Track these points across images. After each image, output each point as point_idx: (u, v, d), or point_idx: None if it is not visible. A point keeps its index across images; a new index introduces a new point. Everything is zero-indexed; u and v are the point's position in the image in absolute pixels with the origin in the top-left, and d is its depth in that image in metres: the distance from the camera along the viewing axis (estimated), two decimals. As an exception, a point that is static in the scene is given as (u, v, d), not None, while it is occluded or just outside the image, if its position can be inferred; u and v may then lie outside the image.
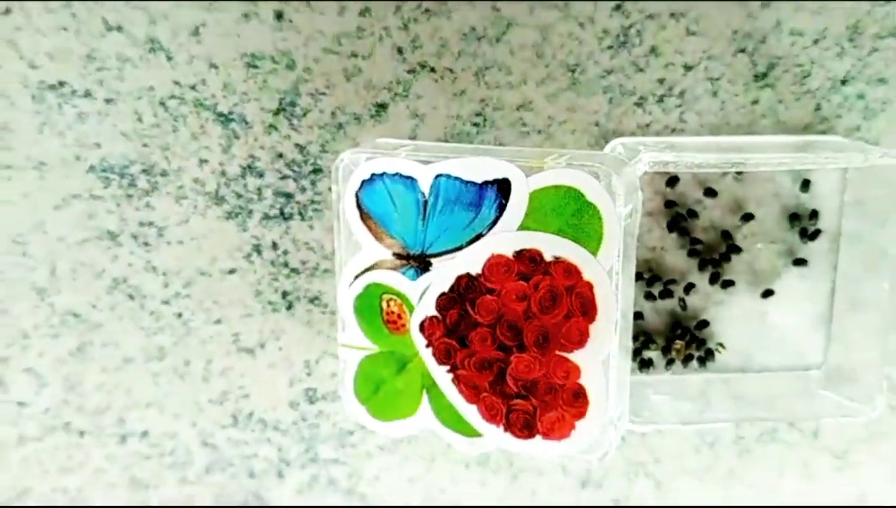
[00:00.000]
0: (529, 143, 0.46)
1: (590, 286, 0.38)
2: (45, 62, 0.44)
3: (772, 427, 0.52)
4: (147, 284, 0.47)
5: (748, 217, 0.47)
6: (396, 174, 0.41)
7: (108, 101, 0.44)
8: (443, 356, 0.42)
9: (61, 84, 0.44)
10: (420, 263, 0.42)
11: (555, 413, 0.41)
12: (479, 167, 0.39)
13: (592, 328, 0.39)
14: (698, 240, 0.47)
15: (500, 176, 0.39)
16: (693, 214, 0.47)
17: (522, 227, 0.39)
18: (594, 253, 0.38)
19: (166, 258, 0.47)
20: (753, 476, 0.53)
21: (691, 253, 0.47)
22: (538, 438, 0.42)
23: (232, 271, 0.47)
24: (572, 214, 0.38)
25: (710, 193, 0.47)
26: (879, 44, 0.46)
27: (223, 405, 0.50)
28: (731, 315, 0.49)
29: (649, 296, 0.48)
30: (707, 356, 0.49)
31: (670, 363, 0.48)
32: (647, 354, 0.49)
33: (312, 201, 0.47)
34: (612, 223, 0.38)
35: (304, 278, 0.48)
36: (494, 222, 0.39)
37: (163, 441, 0.50)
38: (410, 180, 0.41)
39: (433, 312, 0.42)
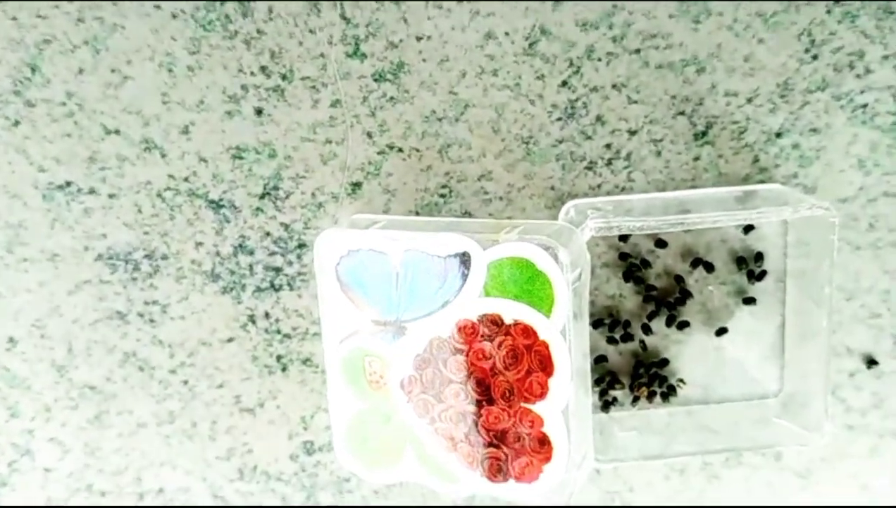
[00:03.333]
0: (492, 209, 0.50)
1: (546, 345, 0.43)
2: (53, 165, 0.49)
3: (737, 452, 0.56)
4: (155, 356, 0.52)
5: (697, 263, 0.51)
6: (370, 250, 0.46)
7: (110, 196, 0.49)
8: (421, 411, 0.47)
9: (68, 184, 0.49)
10: (396, 327, 0.46)
11: (524, 459, 0.45)
12: (442, 242, 0.44)
13: (551, 382, 0.44)
14: (653, 287, 0.51)
15: (461, 250, 0.43)
16: (646, 263, 0.51)
17: (484, 293, 0.44)
18: (547, 315, 0.43)
19: (171, 332, 0.52)
20: (722, 499, 0.57)
21: (647, 299, 0.52)
22: (511, 482, 0.46)
23: (230, 340, 0.52)
24: (526, 281, 0.43)
25: (661, 243, 0.51)
26: (810, 97, 0.50)
27: (230, 460, 0.55)
28: (689, 353, 0.53)
29: (611, 340, 0.52)
30: (669, 392, 0.53)
31: (636, 400, 0.53)
32: (612, 393, 0.53)
33: (299, 273, 0.51)
34: (562, 288, 0.42)
35: (295, 342, 0.53)
36: (459, 290, 0.44)
37: (177, 496, 0.55)
38: (383, 255, 0.45)
39: (411, 371, 0.46)
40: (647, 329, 0.52)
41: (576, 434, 0.45)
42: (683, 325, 0.52)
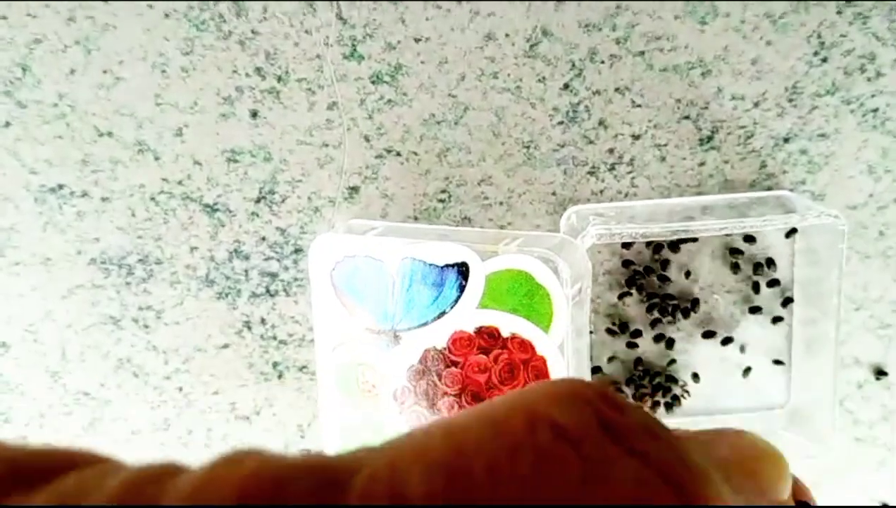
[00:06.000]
0: (492, 214, 0.49)
1: (543, 361, 0.42)
2: (45, 168, 0.48)
3: (742, 462, 0.54)
4: (149, 362, 0.51)
5: (702, 271, 0.50)
6: (366, 256, 0.45)
7: (103, 199, 0.48)
8: (414, 422, 0.46)
9: (60, 187, 0.48)
10: (391, 336, 0.45)
11: (522, 472, 0.44)
12: (440, 251, 0.43)
13: (549, 396, 0.42)
14: (656, 294, 0.50)
15: (459, 260, 0.42)
16: (650, 270, 0.50)
17: (482, 305, 0.43)
18: (546, 330, 0.42)
19: (165, 338, 0.51)
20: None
21: (650, 307, 0.50)
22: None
23: (225, 346, 0.51)
24: (524, 294, 0.41)
25: (665, 250, 0.50)
26: (818, 102, 0.48)
27: (226, 466, 0.54)
28: (693, 362, 0.52)
29: (614, 349, 0.51)
30: (673, 402, 0.52)
31: (638, 409, 0.52)
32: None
33: (295, 279, 0.50)
34: (561, 303, 0.41)
35: (292, 349, 0.52)
36: (456, 301, 0.43)
37: (172, 502, 0.54)
38: (379, 262, 0.44)
39: (404, 382, 0.45)
40: (650, 338, 0.51)
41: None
42: (688, 334, 0.51)
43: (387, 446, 0.13)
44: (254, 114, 0.47)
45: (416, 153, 0.48)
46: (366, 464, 0.13)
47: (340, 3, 0.45)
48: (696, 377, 0.52)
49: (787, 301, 0.50)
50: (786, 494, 0.18)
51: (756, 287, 0.50)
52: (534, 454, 0.13)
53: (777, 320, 0.51)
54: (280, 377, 0.52)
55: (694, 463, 0.14)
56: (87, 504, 0.11)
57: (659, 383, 0.51)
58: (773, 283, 0.50)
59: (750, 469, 0.17)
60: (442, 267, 0.43)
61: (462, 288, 0.43)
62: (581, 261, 0.42)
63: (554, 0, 0.45)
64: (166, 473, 0.12)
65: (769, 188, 0.49)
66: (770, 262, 0.50)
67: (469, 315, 0.43)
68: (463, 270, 0.42)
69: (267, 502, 0.11)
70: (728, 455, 0.18)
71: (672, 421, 0.52)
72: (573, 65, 0.47)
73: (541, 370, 0.42)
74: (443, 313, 0.43)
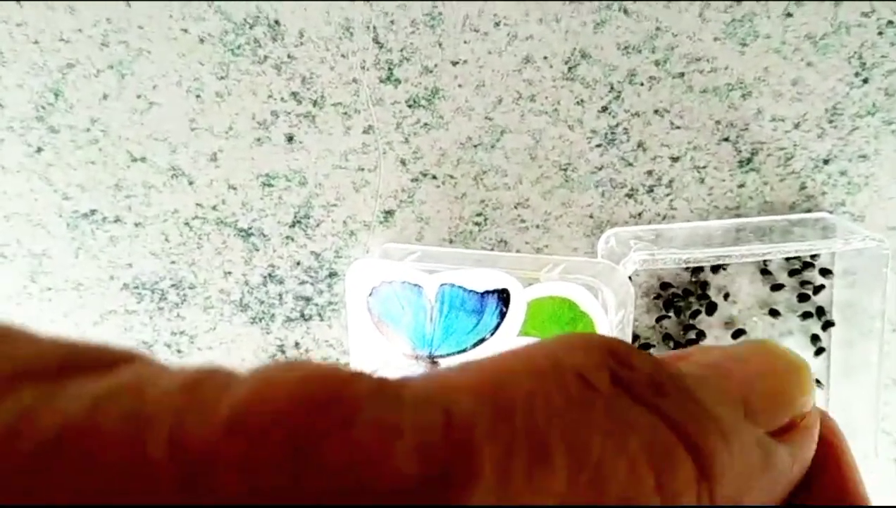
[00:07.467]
0: (529, 237, 0.49)
1: (588, 388, 0.41)
2: (77, 193, 0.47)
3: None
4: (182, 387, 0.51)
5: (741, 293, 0.49)
6: (404, 282, 0.44)
7: (136, 224, 0.48)
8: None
9: (93, 212, 0.48)
10: (428, 362, 0.45)
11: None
12: (480, 278, 0.42)
13: (593, 424, 0.42)
14: (695, 316, 0.50)
15: (500, 286, 0.42)
16: (688, 292, 0.49)
17: (523, 332, 0.42)
18: (590, 357, 0.41)
19: (198, 363, 0.51)
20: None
21: (687, 328, 0.50)
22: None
23: (259, 371, 0.51)
24: (567, 322, 0.41)
25: (703, 272, 0.49)
26: (859, 123, 0.48)
27: (258, 491, 0.53)
28: (731, 384, 0.51)
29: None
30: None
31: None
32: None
33: (330, 303, 0.50)
34: (605, 330, 0.40)
35: (326, 373, 0.51)
36: (496, 328, 0.43)
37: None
38: (417, 288, 0.44)
39: (446, 408, 0.45)
40: (687, 361, 0.50)
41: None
42: (725, 356, 0.50)
43: (420, 377, 0.13)
44: (289, 138, 0.47)
45: (452, 176, 0.48)
46: (407, 384, 0.13)
47: (377, 27, 0.45)
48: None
49: (826, 325, 0.50)
50: (809, 406, 0.17)
51: (795, 308, 0.50)
52: (563, 394, 0.13)
53: (815, 341, 0.50)
54: (314, 401, 0.52)
55: (709, 417, 0.14)
56: (148, 393, 0.11)
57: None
58: (813, 303, 0.50)
59: (771, 389, 0.17)
60: (482, 294, 0.43)
61: (503, 315, 0.42)
62: (624, 287, 0.42)
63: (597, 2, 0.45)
64: (221, 373, 0.12)
65: (808, 210, 0.49)
66: (815, 287, 0.50)
67: (509, 342, 0.42)
68: (504, 296, 0.42)
69: (332, 396, 0.11)
70: (745, 378, 0.17)
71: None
72: (612, 87, 0.46)
73: (585, 400, 0.41)
74: (482, 340, 0.43)
